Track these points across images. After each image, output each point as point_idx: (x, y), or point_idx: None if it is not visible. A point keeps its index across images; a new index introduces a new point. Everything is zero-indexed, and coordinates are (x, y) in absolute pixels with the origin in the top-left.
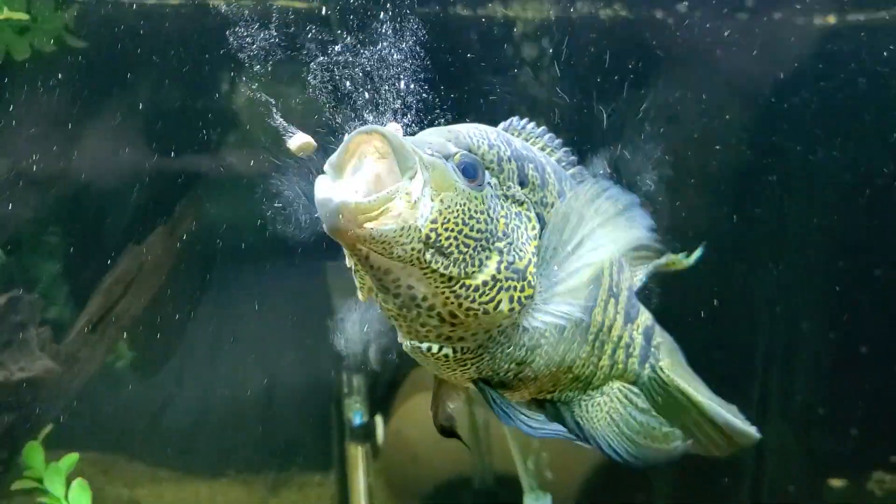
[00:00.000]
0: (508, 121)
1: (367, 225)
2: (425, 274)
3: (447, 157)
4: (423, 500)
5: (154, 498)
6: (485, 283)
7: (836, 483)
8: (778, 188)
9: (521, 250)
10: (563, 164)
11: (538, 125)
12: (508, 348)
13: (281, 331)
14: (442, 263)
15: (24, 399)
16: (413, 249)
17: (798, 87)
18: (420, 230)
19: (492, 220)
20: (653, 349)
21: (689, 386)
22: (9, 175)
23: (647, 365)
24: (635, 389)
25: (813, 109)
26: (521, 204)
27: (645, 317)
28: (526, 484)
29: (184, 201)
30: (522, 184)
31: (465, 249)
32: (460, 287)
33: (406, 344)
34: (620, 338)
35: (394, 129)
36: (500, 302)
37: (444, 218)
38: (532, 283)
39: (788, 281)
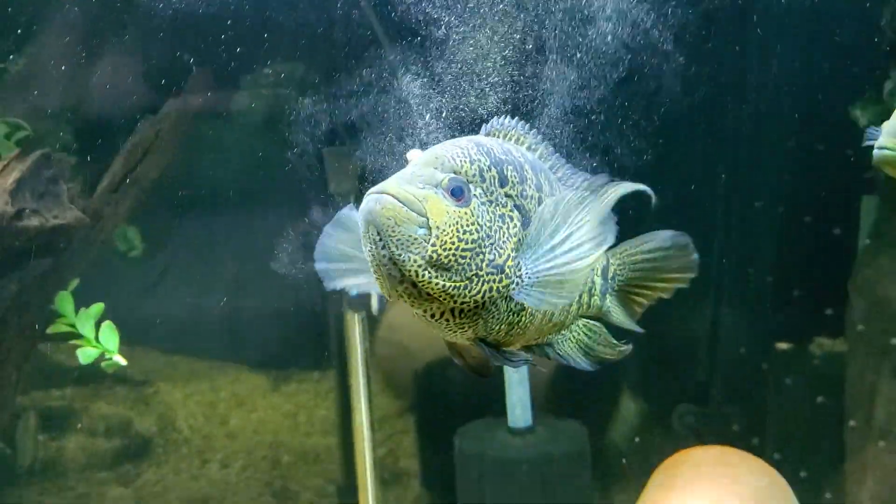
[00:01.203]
0: (491, 122)
1: None
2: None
3: (436, 185)
4: (415, 387)
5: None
6: (470, 279)
7: (783, 346)
8: None
9: (501, 248)
10: (544, 157)
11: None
12: (499, 316)
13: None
14: (443, 276)
15: (58, 245)
16: (408, 270)
17: None
18: (416, 260)
19: (480, 227)
20: (610, 282)
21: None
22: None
23: (606, 297)
24: (595, 324)
25: None
26: (504, 205)
27: (601, 259)
28: None
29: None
30: (502, 184)
31: (462, 261)
32: (454, 288)
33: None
34: (584, 284)
35: (415, 154)
36: (483, 293)
37: (441, 241)
38: (509, 274)
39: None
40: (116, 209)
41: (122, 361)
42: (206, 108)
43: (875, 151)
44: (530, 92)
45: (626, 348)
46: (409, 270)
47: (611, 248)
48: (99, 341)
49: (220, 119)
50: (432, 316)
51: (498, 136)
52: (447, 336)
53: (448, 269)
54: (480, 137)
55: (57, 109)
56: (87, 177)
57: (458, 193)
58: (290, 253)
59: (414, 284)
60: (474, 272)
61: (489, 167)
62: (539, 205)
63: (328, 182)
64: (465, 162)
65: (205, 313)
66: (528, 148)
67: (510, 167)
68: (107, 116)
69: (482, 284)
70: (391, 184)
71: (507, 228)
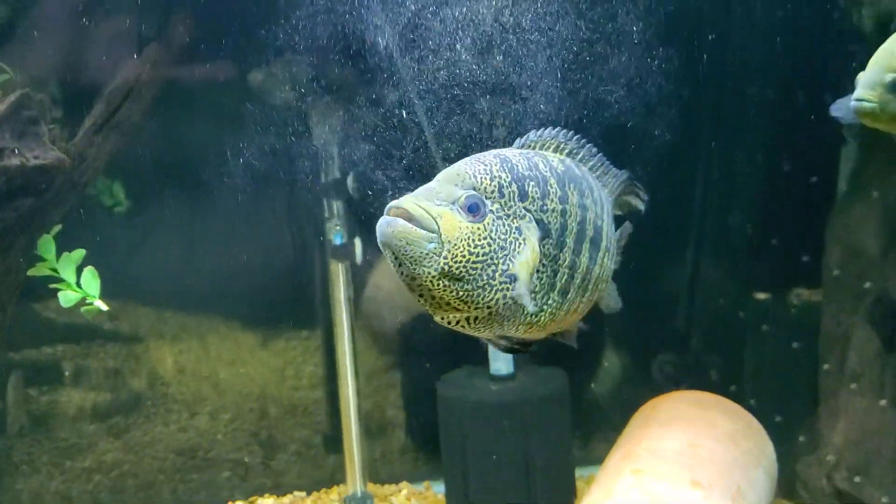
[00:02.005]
0: (527, 135)
1: None
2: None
3: (454, 202)
4: (400, 342)
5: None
6: (483, 287)
7: (761, 296)
8: None
9: (514, 259)
10: (585, 158)
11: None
12: (514, 319)
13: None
14: (457, 285)
15: (39, 186)
16: (423, 285)
17: None
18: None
19: (493, 240)
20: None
21: None
22: None
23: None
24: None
25: None
26: (522, 217)
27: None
28: None
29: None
30: (522, 199)
31: (474, 271)
32: (467, 296)
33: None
34: (612, 269)
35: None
36: (496, 301)
37: (452, 254)
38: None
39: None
40: (99, 152)
41: (103, 307)
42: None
43: (852, 104)
44: None
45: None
46: (424, 282)
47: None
48: (80, 286)
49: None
50: (449, 323)
51: (535, 147)
52: (467, 333)
53: (460, 280)
54: (509, 151)
55: (38, 54)
56: (69, 120)
57: (473, 210)
58: (279, 209)
59: (431, 295)
60: (486, 281)
61: (510, 183)
62: (562, 216)
63: (312, 134)
64: (485, 178)
65: (196, 272)
66: (570, 153)
67: (532, 182)
68: (89, 61)
69: (494, 292)
70: (407, 199)
71: (525, 239)
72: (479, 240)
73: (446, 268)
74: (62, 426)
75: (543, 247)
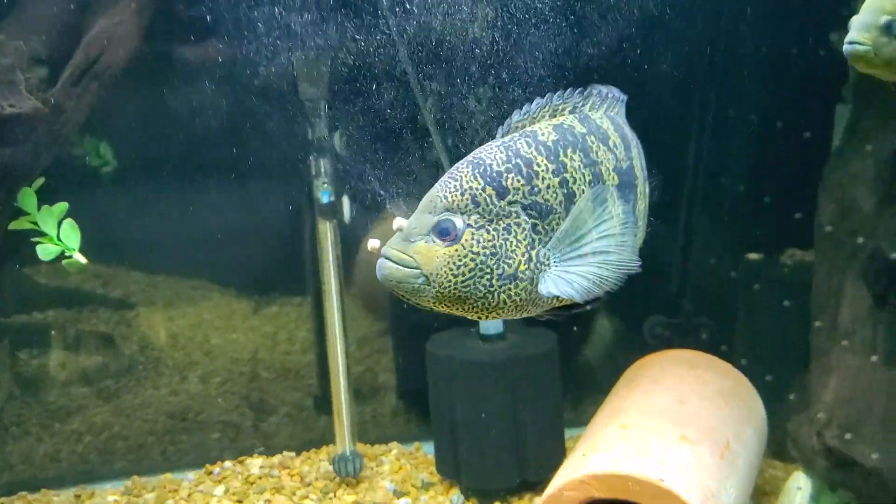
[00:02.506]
0: (506, 122)
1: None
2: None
3: (428, 233)
4: (392, 307)
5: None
6: (485, 296)
7: (753, 256)
8: None
9: (509, 258)
10: (596, 104)
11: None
12: (540, 302)
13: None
14: (457, 304)
15: (17, 136)
16: (436, 308)
17: None
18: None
19: (477, 253)
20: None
21: None
22: None
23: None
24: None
25: None
26: (508, 215)
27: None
28: None
29: None
30: (502, 196)
31: (466, 289)
32: (472, 308)
33: None
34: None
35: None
36: (503, 301)
37: (439, 283)
38: (523, 278)
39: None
40: (79, 103)
41: (82, 260)
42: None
43: (845, 47)
44: None
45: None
46: (431, 306)
47: None
48: (60, 240)
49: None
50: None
51: (523, 126)
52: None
53: (458, 299)
54: (487, 148)
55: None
56: (48, 70)
57: (445, 234)
58: (272, 172)
59: (446, 310)
60: (484, 292)
61: (483, 188)
62: (563, 187)
63: (298, 89)
64: (455, 195)
65: (189, 238)
66: (573, 110)
67: (511, 174)
68: (66, 9)
69: (497, 296)
70: (390, 246)
71: (515, 236)
72: (460, 260)
73: (440, 294)
74: (52, 389)
75: (548, 225)
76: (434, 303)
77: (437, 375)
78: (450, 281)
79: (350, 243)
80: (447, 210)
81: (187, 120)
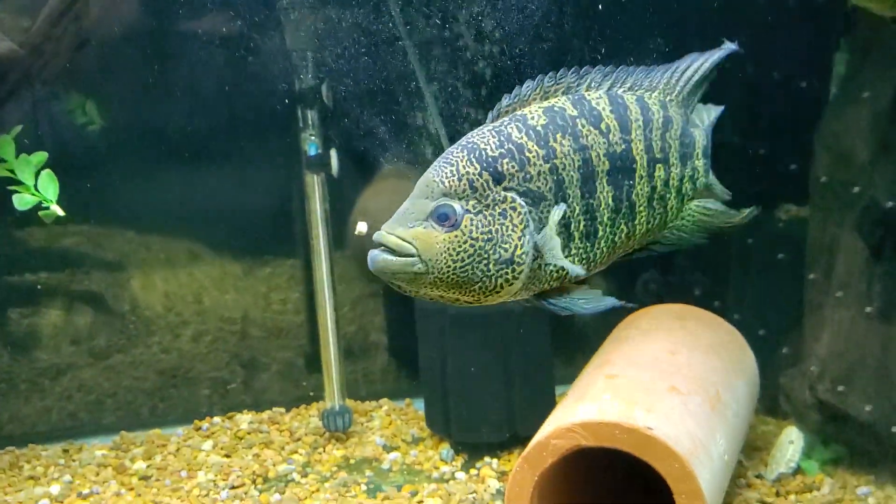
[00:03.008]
0: (497, 106)
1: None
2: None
3: (426, 217)
4: None
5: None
6: (482, 281)
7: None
8: None
9: (505, 243)
10: (595, 82)
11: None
12: (540, 282)
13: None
14: (455, 290)
15: None
16: (430, 295)
17: None
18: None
19: (476, 239)
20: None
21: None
22: None
23: (709, 173)
24: (710, 202)
25: None
26: (504, 200)
27: (701, 138)
28: None
29: None
30: (498, 181)
31: (464, 274)
32: (470, 293)
33: None
34: (682, 178)
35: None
36: (500, 286)
37: (438, 269)
38: (521, 262)
39: None
40: (58, 47)
41: (59, 212)
42: None
43: None
44: None
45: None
46: (428, 294)
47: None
48: (38, 190)
49: None
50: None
51: (513, 110)
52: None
53: (457, 285)
54: (479, 133)
55: None
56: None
57: (444, 219)
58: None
59: (442, 298)
60: (482, 277)
61: (479, 174)
62: (553, 173)
63: (286, 40)
64: (453, 180)
65: (184, 199)
66: (567, 90)
67: (505, 159)
68: None
69: (495, 281)
70: (386, 230)
71: (511, 221)
72: (460, 245)
73: (438, 281)
74: (43, 348)
75: (541, 212)
76: (430, 289)
77: (427, 330)
78: (449, 267)
79: (345, 203)
80: (444, 195)
81: (178, 76)
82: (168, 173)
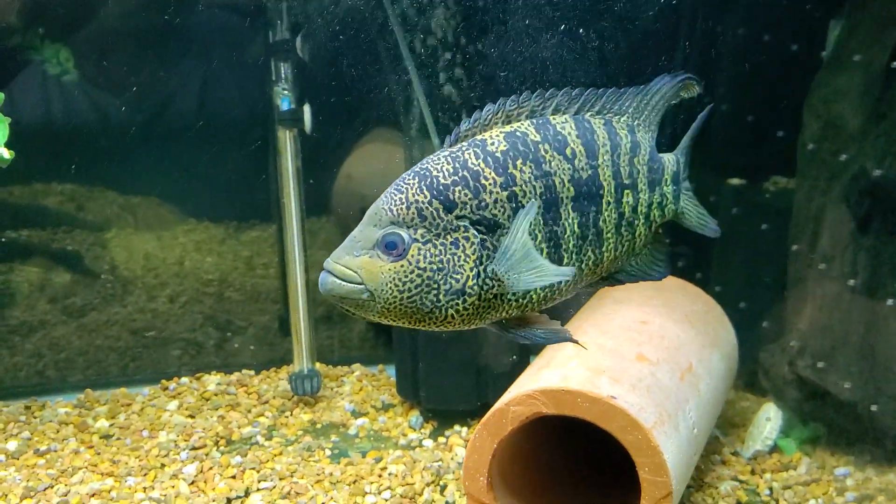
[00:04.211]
0: (454, 131)
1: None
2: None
3: (373, 246)
4: None
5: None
6: (432, 311)
7: (734, 180)
8: None
9: (457, 274)
10: (562, 105)
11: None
12: (497, 313)
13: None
14: (404, 319)
15: None
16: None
17: None
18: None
19: (423, 269)
20: (683, 184)
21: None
22: None
23: (680, 200)
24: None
25: None
26: (456, 229)
27: (671, 164)
28: None
29: None
30: (450, 210)
31: (413, 304)
32: (419, 322)
33: None
34: (651, 204)
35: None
36: (451, 316)
37: (384, 299)
38: (471, 293)
39: None
40: None
41: (6, 154)
42: None
43: None
44: None
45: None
46: (377, 320)
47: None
48: None
49: None
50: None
51: (472, 135)
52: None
53: (404, 315)
54: (434, 159)
55: None
56: None
57: (392, 247)
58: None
59: (390, 325)
60: (430, 308)
61: (429, 202)
62: (511, 201)
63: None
64: (401, 209)
65: (168, 160)
66: (531, 114)
67: (458, 187)
68: None
69: (445, 311)
70: (332, 259)
71: (463, 251)
72: (406, 276)
73: (385, 310)
74: (16, 305)
75: (497, 241)
76: (379, 317)
77: None
78: (395, 297)
79: (327, 166)
80: (392, 223)
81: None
82: (154, 137)
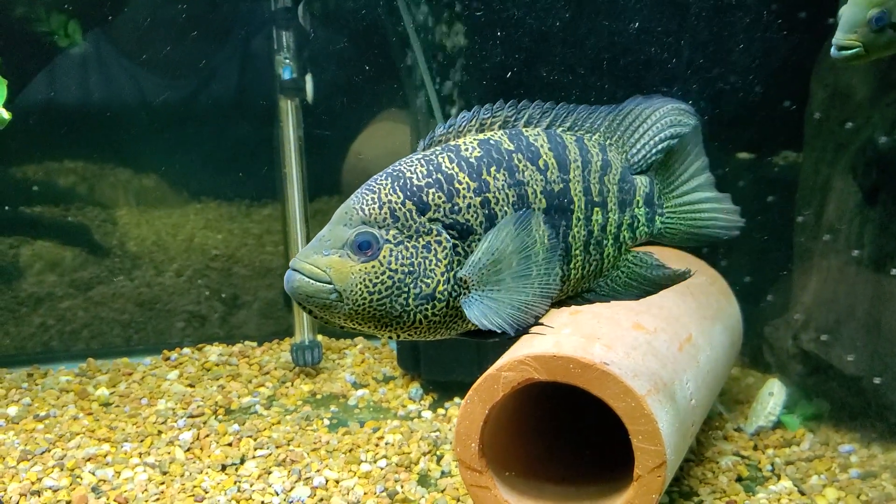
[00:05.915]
0: (429, 134)
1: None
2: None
3: (343, 245)
4: None
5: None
6: (401, 315)
7: (742, 154)
8: None
9: (427, 278)
10: (535, 118)
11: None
12: (454, 329)
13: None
14: (370, 323)
15: None
16: (345, 326)
17: None
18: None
19: (395, 271)
20: (657, 206)
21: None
22: None
23: (657, 220)
24: (646, 254)
25: None
26: (428, 232)
27: (643, 186)
28: None
29: None
30: (423, 212)
31: (382, 307)
32: (387, 327)
33: None
34: (620, 224)
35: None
36: (419, 321)
37: (353, 300)
38: (441, 299)
39: None
40: None
41: (5, 114)
42: None
43: (833, 52)
44: None
45: (686, 272)
46: (341, 324)
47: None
48: None
49: None
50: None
51: (447, 139)
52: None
53: (372, 318)
54: (408, 161)
55: None
56: None
57: (364, 247)
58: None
59: (355, 330)
60: (399, 312)
61: (402, 203)
62: (484, 207)
63: None
64: (373, 209)
65: (182, 141)
66: (504, 124)
67: (432, 189)
68: None
69: (413, 316)
70: (299, 258)
71: (435, 255)
72: (377, 277)
73: (353, 312)
74: (25, 278)
75: (468, 247)
76: (346, 320)
77: None
78: (364, 298)
79: (335, 147)
80: (364, 223)
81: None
82: (167, 114)
